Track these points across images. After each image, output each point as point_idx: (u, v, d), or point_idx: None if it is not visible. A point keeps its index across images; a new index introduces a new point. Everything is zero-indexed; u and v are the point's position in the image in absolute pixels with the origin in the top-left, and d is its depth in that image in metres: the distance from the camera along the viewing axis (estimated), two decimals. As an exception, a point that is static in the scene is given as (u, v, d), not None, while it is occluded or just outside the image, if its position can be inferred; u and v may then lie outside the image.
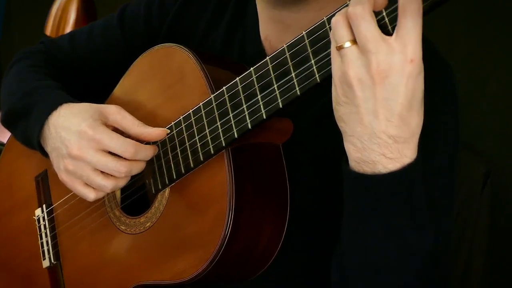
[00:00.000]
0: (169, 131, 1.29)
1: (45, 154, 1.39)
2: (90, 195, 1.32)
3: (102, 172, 1.29)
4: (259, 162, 1.25)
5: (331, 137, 1.16)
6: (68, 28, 2.34)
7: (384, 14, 1.00)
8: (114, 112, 1.31)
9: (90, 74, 1.59)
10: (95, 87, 1.56)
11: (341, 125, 1.05)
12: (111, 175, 1.29)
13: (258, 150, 1.25)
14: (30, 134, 1.41)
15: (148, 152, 1.29)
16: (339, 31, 1.00)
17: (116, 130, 1.31)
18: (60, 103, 1.36)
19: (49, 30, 2.37)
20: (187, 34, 1.44)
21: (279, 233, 1.26)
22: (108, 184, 1.29)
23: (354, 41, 1.00)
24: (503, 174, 2.06)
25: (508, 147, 2.10)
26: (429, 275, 1.14)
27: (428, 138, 1.17)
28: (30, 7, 3.24)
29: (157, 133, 1.29)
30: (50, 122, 1.35)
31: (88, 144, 1.28)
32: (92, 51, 1.58)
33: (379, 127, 1.01)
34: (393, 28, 0.99)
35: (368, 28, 0.98)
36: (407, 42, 0.97)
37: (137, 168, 1.29)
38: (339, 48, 1.01)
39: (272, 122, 1.19)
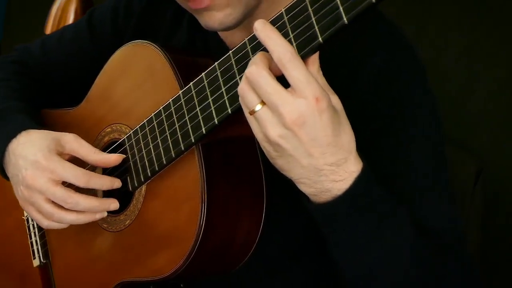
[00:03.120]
0: (124, 156, 1.33)
1: (7, 178, 1.43)
2: (43, 222, 1.36)
3: (54, 202, 1.32)
4: (232, 156, 1.26)
5: None
6: (68, 28, 2.35)
7: None
8: (70, 141, 1.34)
9: (63, 78, 1.61)
10: (70, 90, 1.58)
11: (285, 173, 1.10)
12: (63, 207, 1.32)
13: (231, 143, 1.25)
14: None
15: (102, 181, 1.32)
16: (247, 97, 1.05)
17: (74, 158, 1.35)
18: (20, 131, 1.39)
19: (49, 30, 2.37)
20: (152, 35, 1.44)
21: (256, 225, 1.27)
22: (54, 213, 1.32)
23: (263, 102, 1.04)
24: (495, 172, 2.05)
25: (500, 144, 2.09)
26: (428, 263, 1.17)
27: (401, 129, 1.23)
28: (30, 7, 3.26)
29: (113, 159, 1.33)
30: (10, 150, 1.39)
31: (41, 173, 1.31)
32: (63, 56, 1.60)
33: (318, 163, 1.06)
34: None
35: (267, 82, 1.03)
36: (303, 88, 1.02)
37: (86, 202, 1.31)
38: (252, 113, 1.05)
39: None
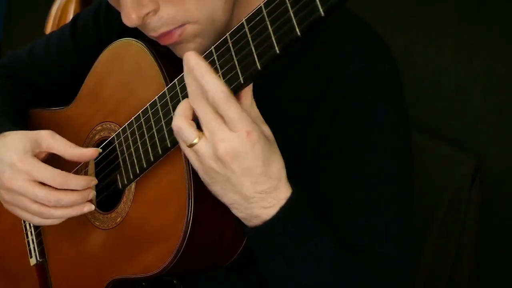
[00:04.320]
0: (100, 150, 1.34)
1: None
2: (33, 220, 1.37)
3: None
4: None
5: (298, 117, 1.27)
6: (68, 28, 2.36)
7: None
8: (46, 138, 1.35)
9: (50, 85, 1.63)
10: (57, 95, 1.60)
11: (219, 198, 1.16)
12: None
13: None
14: None
15: (78, 181, 1.33)
16: (185, 133, 1.10)
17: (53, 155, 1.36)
18: None
19: (49, 30, 2.37)
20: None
21: None
22: (43, 211, 1.33)
23: (200, 136, 1.09)
24: (492, 171, 2.05)
25: (497, 143, 2.09)
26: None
27: (362, 144, 1.24)
28: (30, 7, 3.27)
29: (89, 153, 1.34)
30: None
31: (18, 176, 1.32)
32: (49, 64, 1.62)
33: (249, 191, 1.12)
34: None
35: (210, 115, 1.07)
36: (235, 124, 1.06)
37: (68, 198, 1.32)
38: (191, 146, 1.10)
39: None
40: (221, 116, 1.07)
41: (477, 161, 1.91)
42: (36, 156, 1.34)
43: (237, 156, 1.07)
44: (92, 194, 1.34)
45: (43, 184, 1.32)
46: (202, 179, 1.15)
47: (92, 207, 1.34)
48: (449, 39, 2.16)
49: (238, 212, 1.17)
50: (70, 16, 2.40)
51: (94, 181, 1.34)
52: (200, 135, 1.09)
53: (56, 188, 1.32)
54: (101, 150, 1.34)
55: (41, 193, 1.31)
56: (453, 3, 2.16)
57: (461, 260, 1.94)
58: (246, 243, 1.30)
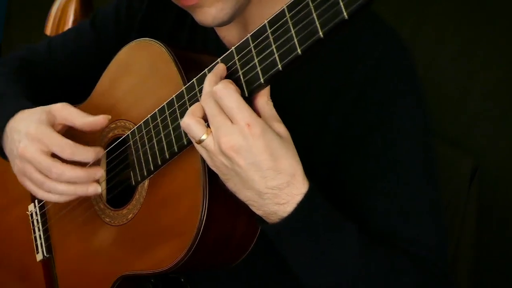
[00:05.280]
0: (110, 116, 1.35)
1: (6, 157, 1.45)
2: (38, 192, 1.37)
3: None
4: None
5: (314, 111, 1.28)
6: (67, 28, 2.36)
7: None
8: (59, 109, 1.37)
9: (67, 78, 1.65)
10: (74, 89, 1.61)
11: (237, 196, 1.18)
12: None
13: None
14: None
15: (87, 154, 1.33)
16: (193, 130, 1.13)
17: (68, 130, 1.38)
18: (17, 111, 1.42)
19: (49, 30, 2.38)
20: (154, 36, 1.44)
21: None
22: (45, 181, 1.33)
23: (208, 132, 1.12)
24: (491, 170, 2.07)
25: (495, 143, 2.10)
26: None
27: (385, 130, 1.26)
28: (30, 7, 3.26)
29: (101, 121, 1.35)
30: (7, 128, 1.41)
31: (31, 144, 1.33)
32: (67, 56, 1.64)
33: (260, 186, 1.13)
34: None
35: (214, 113, 1.11)
36: (234, 115, 1.09)
37: (72, 172, 1.32)
38: (199, 142, 1.13)
39: None
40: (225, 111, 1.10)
41: (476, 160, 1.93)
42: (53, 127, 1.36)
43: (240, 150, 1.09)
44: (99, 173, 1.34)
45: (54, 156, 1.33)
46: (219, 175, 1.17)
47: (98, 189, 1.34)
48: (448, 39, 2.17)
49: (256, 210, 1.18)
50: (70, 16, 2.41)
51: (101, 151, 1.35)
52: (208, 131, 1.12)
53: (65, 162, 1.33)
54: (110, 116, 1.36)
55: (45, 162, 1.32)
56: (452, 3, 2.17)
57: (460, 258, 1.96)
58: (257, 241, 1.31)
